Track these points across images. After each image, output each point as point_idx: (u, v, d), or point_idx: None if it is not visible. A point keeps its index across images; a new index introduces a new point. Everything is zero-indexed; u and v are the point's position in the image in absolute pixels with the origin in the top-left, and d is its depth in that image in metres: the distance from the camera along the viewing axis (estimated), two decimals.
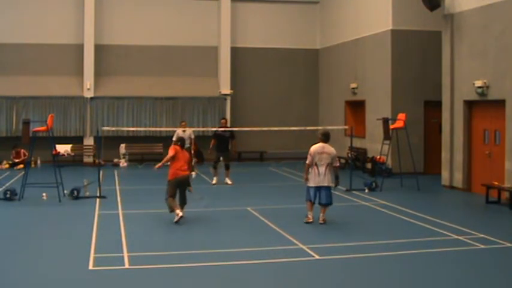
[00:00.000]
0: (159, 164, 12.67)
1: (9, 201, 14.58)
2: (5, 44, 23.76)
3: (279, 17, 26.20)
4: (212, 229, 11.75)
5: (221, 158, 18.05)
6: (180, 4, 25.34)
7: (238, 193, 16.72)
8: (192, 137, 19.51)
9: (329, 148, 11.94)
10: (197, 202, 13.25)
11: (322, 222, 11.92)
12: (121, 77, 24.72)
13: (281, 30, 26.21)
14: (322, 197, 11.91)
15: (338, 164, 12.19)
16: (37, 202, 14.55)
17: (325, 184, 11.88)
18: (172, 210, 12.10)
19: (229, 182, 17.97)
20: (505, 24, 14.95)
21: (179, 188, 12.40)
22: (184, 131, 19.12)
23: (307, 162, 11.88)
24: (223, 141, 18.19)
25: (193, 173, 18.39)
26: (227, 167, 18.02)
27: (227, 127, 19.43)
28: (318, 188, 11.85)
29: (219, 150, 18.09)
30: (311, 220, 11.95)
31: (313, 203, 11.96)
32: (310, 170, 11.84)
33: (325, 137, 11.95)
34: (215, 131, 18.95)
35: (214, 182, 18.01)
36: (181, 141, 13.02)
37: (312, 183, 11.85)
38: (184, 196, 12.53)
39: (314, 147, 11.86)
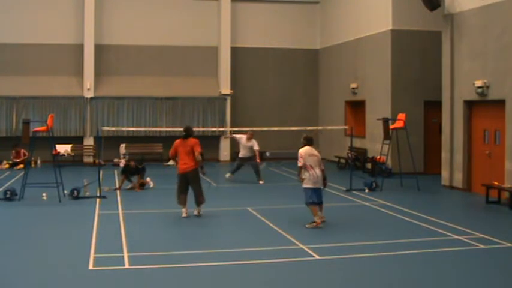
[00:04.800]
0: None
1: (9, 201, 14.58)
2: (5, 44, 23.77)
3: (279, 17, 26.21)
4: (212, 229, 11.76)
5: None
6: (180, 4, 25.36)
7: (238, 193, 16.72)
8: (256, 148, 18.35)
9: (316, 151, 12.09)
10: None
11: (324, 220, 11.90)
12: (121, 77, 24.74)
13: (281, 30, 26.22)
14: (318, 197, 11.89)
15: (323, 167, 12.21)
16: (37, 202, 14.55)
17: (319, 186, 11.93)
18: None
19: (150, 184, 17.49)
20: (505, 24, 14.95)
21: (189, 185, 12.43)
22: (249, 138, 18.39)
23: (299, 164, 11.86)
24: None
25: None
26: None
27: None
28: (315, 189, 11.86)
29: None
30: (321, 224, 11.73)
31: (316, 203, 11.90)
32: (304, 171, 11.83)
33: (309, 141, 12.12)
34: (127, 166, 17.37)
35: (129, 186, 17.13)
36: (186, 131, 12.58)
37: (310, 185, 11.83)
38: (197, 193, 12.52)
39: (304, 150, 11.91)
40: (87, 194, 15.32)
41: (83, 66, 24.13)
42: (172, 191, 16.56)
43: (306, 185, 11.83)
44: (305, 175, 11.82)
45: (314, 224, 11.75)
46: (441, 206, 15.31)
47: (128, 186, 16.93)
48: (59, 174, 15.09)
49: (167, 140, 24.15)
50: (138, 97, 24.52)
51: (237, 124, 24.38)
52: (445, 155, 17.56)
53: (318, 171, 11.81)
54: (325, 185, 12.13)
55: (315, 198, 11.78)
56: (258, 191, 17.09)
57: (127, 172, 17.02)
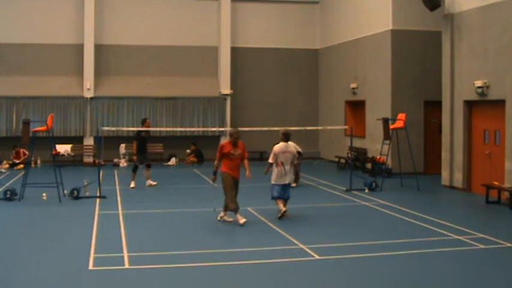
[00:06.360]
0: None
1: (9, 201, 14.58)
2: (5, 44, 23.77)
3: (279, 17, 26.21)
4: (212, 229, 11.75)
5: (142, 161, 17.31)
6: (180, 4, 25.36)
7: (238, 193, 16.67)
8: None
9: (291, 147, 12.56)
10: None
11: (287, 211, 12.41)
12: (121, 77, 24.73)
13: (281, 30, 26.22)
14: (286, 193, 12.50)
15: (297, 162, 12.52)
16: (37, 202, 14.55)
17: (288, 182, 12.50)
18: None
19: (152, 183, 17.45)
20: (505, 24, 14.95)
21: None
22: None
23: (270, 160, 12.35)
24: (144, 142, 17.45)
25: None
26: (148, 166, 17.55)
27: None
28: (283, 186, 12.38)
29: (142, 152, 17.33)
30: (284, 209, 12.34)
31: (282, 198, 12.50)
32: (274, 168, 12.31)
33: (286, 137, 12.50)
34: (139, 132, 17.52)
35: (132, 185, 17.14)
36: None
37: (277, 182, 12.35)
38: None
39: (278, 147, 12.37)
40: (87, 194, 15.31)
41: (83, 66, 24.12)
42: (172, 191, 16.61)
43: (273, 181, 12.39)
44: (274, 171, 12.27)
45: (280, 212, 12.33)
46: (441, 206, 15.30)
47: (132, 185, 16.98)
48: (59, 174, 15.09)
49: (167, 140, 24.25)
50: (138, 97, 24.52)
51: (237, 124, 24.36)
52: (445, 155, 17.56)
53: (287, 168, 12.25)
54: (297, 179, 12.59)
55: (280, 194, 12.37)
56: (258, 191, 17.06)
57: (141, 139, 17.22)
